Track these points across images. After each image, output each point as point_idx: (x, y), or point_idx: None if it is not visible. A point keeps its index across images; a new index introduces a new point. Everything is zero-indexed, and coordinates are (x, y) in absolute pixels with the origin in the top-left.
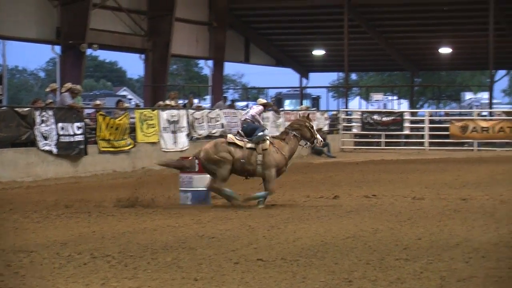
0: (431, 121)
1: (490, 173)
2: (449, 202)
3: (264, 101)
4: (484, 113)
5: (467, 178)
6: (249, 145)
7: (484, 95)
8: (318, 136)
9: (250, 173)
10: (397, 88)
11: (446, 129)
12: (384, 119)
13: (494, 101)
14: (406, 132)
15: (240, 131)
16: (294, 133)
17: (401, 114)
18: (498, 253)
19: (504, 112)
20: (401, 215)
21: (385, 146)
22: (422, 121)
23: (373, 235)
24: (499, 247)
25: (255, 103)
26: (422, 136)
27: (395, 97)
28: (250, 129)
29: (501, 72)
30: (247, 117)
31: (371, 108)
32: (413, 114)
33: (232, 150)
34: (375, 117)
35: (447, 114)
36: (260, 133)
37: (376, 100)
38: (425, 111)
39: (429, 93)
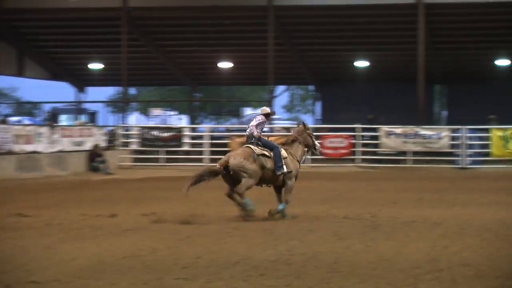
0: (211, 137)
1: (270, 190)
2: (229, 219)
3: (268, 110)
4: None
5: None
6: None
7: None
8: (316, 143)
9: (273, 182)
10: (177, 103)
11: (227, 145)
12: (164, 135)
13: (274, 116)
14: (186, 148)
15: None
16: (301, 141)
17: (180, 129)
18: (276, 271)
19: (284, 128)
20: (180, 233)
21: (165, 162)
22: (202, 137)
23: (151, 254)
24: (278, 264)
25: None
26: (202, 152)
27: (174, 112)
28: (264, 145)
29: (281, 88)
30: (255, 132)
31: (150, 124)
32: (193, 129)
33: (263, 162)
34: (154, 132)
35: (227, 130)
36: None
37: (155, 115)
38: (205, 127)
39: (209, 108)
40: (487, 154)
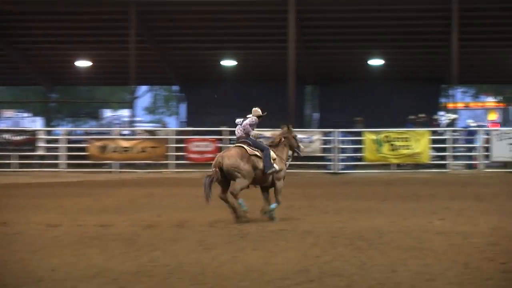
0: (69, 141)
1: (131, 197)
2: (87, 229)
3: (260, 111)
4: (125, 132)
5: (106, 202)
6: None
7: (125, 113)
8: (301, 145)
9: (262, 182)
10: (31, 104)
11: (85, 149)
12: (16, 138)
13: (136, 119)
14: (41, 152)
15: (246, 140)
16: (285, 142)
17: (34, 132)
18: (138, 283)
19: (146, 131)
20: (34, 244)
21: (18, 168)
22: (58, 141)
23: (2, 268)
24: (139, 276)
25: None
26: (58, 157)
27: (28, 114)
28: (254, 146)
29: (143, 88)
30: (245, 132)
31: (1, 126)
32: (48, 132)
33: (255, 162)
34: (6, 136)
35: (86, 133)
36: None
37: (6, 117)
38: (62, 130)
39: (66, 110)
40: (360, 159)
